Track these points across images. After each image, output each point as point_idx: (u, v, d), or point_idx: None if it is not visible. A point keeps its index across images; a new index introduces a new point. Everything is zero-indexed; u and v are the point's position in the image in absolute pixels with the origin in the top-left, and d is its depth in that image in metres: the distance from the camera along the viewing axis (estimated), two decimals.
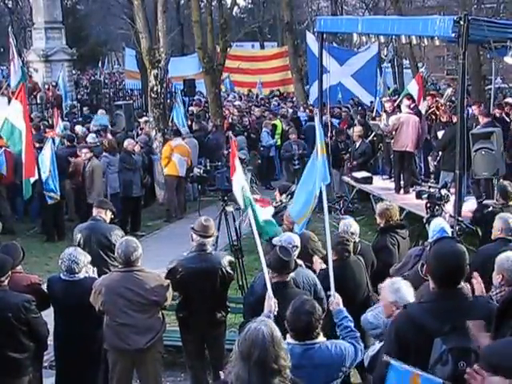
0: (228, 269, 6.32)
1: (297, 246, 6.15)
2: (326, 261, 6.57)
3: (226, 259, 6.40)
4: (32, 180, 11.21)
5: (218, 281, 6.24)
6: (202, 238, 6.31)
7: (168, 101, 16.44)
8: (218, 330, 6.38)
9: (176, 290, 6.33)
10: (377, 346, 4.68)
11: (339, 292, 5.23)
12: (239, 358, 3.34)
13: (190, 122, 17.72)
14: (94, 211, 7.87)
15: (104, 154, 13.44)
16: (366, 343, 6.25)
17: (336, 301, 4.98)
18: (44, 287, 6.35)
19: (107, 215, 7.87)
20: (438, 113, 13.80)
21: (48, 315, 6.09)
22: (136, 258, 5.86)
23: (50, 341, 6.04)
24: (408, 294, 4.65)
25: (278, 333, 3.41)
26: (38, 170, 11.38)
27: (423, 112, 13.50)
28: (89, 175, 12.32)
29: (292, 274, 5.44)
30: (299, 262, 6.09)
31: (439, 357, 3.29)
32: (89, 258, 6.17)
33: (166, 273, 6.30)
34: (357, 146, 14.17)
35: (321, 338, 4.31)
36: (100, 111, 18.68)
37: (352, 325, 4.78)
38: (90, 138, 14.50)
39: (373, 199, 12.78)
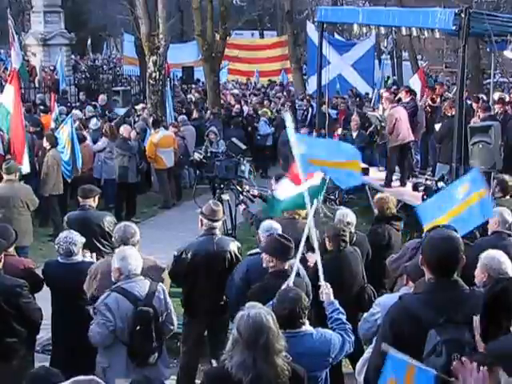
0: (236, 253, 6.44)
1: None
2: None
3: (235, 244, 6.55)
4: (22, 169, 10.90)
5: (226, 264, 6.32)
6: (211, 222, 6.42)
7: (166, 88, 16.38)
8: (223, 316, 6.40)
9: (184, 274, 6.38)
10: (369, 349, 4.61)
11: (335, 283, 5.20)
12: (243, 345, 3.42)
13: (184, 111, 17.72)
14: (81, 201, 7.78)
15: (103, 139, 13.41)
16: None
17: (326, 291, 4.87)
18: (37, 271, 6.34)
19: (95, 202, 7.81)
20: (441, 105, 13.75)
21: (45, 299, 6.08)
22: (133, 244, 5.85)
23: (44, 325, 6.02)
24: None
25: (273, 314, 3.57)
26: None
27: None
28: (44, 167, 11.42)
29: (292, 261, 5.40)
30: None
31: (433, 348, 3.28)
32: (83, 239, 6.17)
33: (175, 256, 6.40)
34: (354, 136, 14.15)
35: (306, 327, 4.31)
36: (101, 97, 18.58)
37: (343, 317, 4.73)
38: (92, 124, 14.47)
39: (368, 190, 12.78)
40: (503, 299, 3.10)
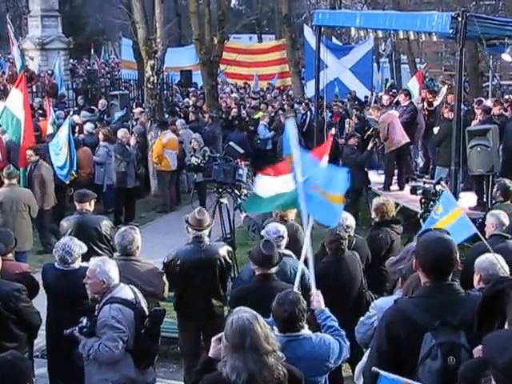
0: (227, 258, 6.41)
1: (283, 237, 6.12)
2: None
3: (224, 249, 6.50)
4: None
5: (217, 271, 6.32)
6: (196, 231, 6.37)
7: (165, 91, 16.36)
8: (215, 321, 6.34)
9: (175, 281, 6.36)
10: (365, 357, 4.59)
11: (333, 287, 5.18)
12: (231, 349, 3.44)
13: (182, 115, 17.72)
14: (77, 206, 7.81)
15: (102, 143, 13.38)
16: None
17: (317, 299, 4.79)
18: (35, 276, 6.32)
19: (91, 206, 7.85)
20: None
21: (41, 304, 6.06)
22: (132, 250, 5.83)
23: (42, 330, 6.01)
24: None
25: (258, 315, 3.56)
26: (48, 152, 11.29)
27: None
28: (39, 181, 10.75)
29: (276, 268, 5.41)
30: (288, 252, 6.10)
31: (429, 351, 3.29)
32: (84, 248, 6.04)
33: (164, 265, 6.34)
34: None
35: (305, 331, 4.30)
36: (101, 101, 18.55)
37: (336, 324, 4.69)
38: (89, 127, 14.43)
39: (366, 194, 12.77)
40: (498, 300, 3.10)
